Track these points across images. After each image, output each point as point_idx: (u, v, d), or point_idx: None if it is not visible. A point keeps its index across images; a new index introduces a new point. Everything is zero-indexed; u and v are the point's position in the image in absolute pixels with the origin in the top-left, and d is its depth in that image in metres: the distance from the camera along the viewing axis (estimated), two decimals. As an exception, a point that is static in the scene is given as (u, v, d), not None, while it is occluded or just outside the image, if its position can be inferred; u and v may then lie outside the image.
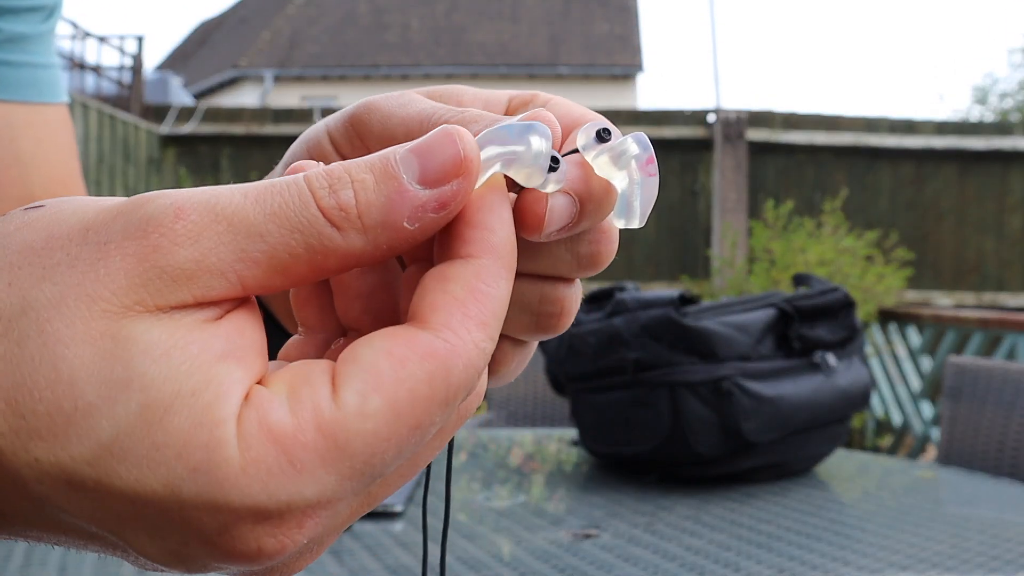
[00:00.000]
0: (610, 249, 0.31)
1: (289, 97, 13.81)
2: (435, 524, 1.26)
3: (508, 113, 0.33)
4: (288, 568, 0.26)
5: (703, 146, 5.86)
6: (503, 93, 0.33)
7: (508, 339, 0.33)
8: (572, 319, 0.32)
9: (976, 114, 20.31)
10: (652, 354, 1.45)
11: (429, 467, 0.34)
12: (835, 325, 1.56)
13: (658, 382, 1.44)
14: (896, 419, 4.39)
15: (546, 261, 0.31)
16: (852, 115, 6.05)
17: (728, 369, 1.43)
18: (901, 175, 6.05)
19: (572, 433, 1.84)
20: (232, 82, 14.44)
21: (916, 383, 4.30)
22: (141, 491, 0.22)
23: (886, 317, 4.54)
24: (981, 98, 20.37)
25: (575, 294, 0.32)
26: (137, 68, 7.24)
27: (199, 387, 0.22)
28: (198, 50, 17.82)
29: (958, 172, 6.07)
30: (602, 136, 0.28)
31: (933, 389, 4.16)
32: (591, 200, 0.28)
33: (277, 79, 14.12)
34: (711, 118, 5.86)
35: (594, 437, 1.57)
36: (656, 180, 0.29)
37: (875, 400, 4.47)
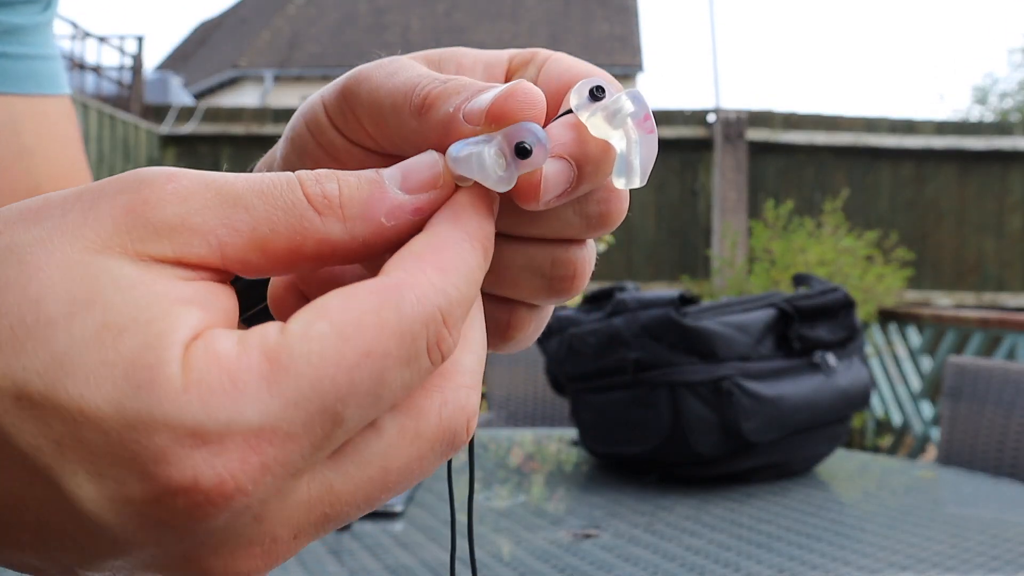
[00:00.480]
0: (620, 208, 0.30)
1: (289, 97, 13.81)
2: (435, 526, 1.26)
3: (509, 72, 0.33)
4: (238, 555, 0.24)
5: (703, 146, 5.86)
6: (504, 53, 0.33)
7: (523, 304, 0.32)
8: (586, 281, 0.32)
9: (976, 114, 20.31)
10: (652, 354, 1.45)
11: (449, 462, 0.34)
12: (835, 325, 1.56)
13: (658, 382, 1.44)
14: (896, 419, 4.39)
15: (554, 224, 0.30)
16: (852, 115, 6.05)
17: (728, 369, 1.43)
18: (901, 175, 6.05)
19: (572, 433, 1.84)
20: (232, 82, 14.44)
21: (916, 383, 4.30)
22: (85, 408, 0.22)
23: (886, 317, 4.54)
24: (981, 98, 20.38)
25: (588, 255, 0.31)
26: (137, 68, 7.24)
27: (156, 317, 0.23)
28: (198, 50, 17.82)
29: (958, 172, 6.07)
30: (595, 95, 0.27)
31: (933, 389, 4.16)
32: (588, 162, 0.28)
33: (277, 79, 14.12)
34: (711, 118, 5.86)
35: (594, 437, 1.57)
36: (655, 137, 0.28)
37: (875, 400, 4.47)
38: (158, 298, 0.23)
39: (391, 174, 0.27)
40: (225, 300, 0.25)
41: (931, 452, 4.15)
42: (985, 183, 6.09)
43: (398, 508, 1.29)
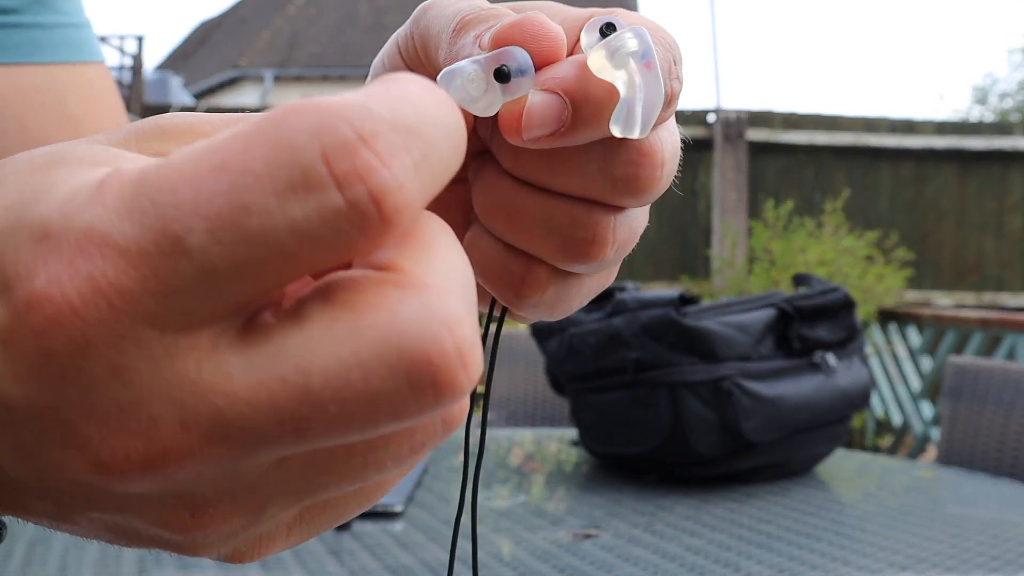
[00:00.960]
0: (650, 175, 0.27)
1: (289, 97, 13.80)
2: (435, 526, 1.26)
3: None
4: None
5: (703, 146, 5.86)
6: (586, 12, 0.29)
7: (542, 263, 0.30)
8: (611, 250, 0.29)
9: (976, 114, 20.31)
10: (652, 354, 1.45)
11: (467, 444, 0.32)
12: (835, 325, 1.56)
13: (658, 382, 1.44)
14: (896, 419, 4.39)
15: (575, 179, 0.28)
16: (852, 115, 6.05)
17: (728, 369, 1.43)
18: (901, 175, 6.05)
19: (572, 433, 1.84)
20: (232, 82, 14.44)
21: (916, 383, 4.30)
22: None
23: (886, 317, 4.53)
24: (981, 98, 20.38)
25: (616, 223, 0.29)
26: (137, 68, 7.24)
27: (100, 154, 0.22)
28: (198, 50, 17.82)
29: (958, 172, 6.07)
30: (604, 32, 0.25)
31: (933, 389, 4.16)
32: (587, 102, 0.25)
33: (277, 79, 14.12)
34: (711, 118, 5.86)
35: (594, 437, 1.57)
36: (659, 84, 0.25)
37: (875, 400, 4.47)
38: (120, 154, 0.22)
39: None
40: None
41: (931, 452, 4.15)
42: (985, 183, 6.09)
43: (398, 508, 1.29)
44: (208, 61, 16.13)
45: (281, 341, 0.19)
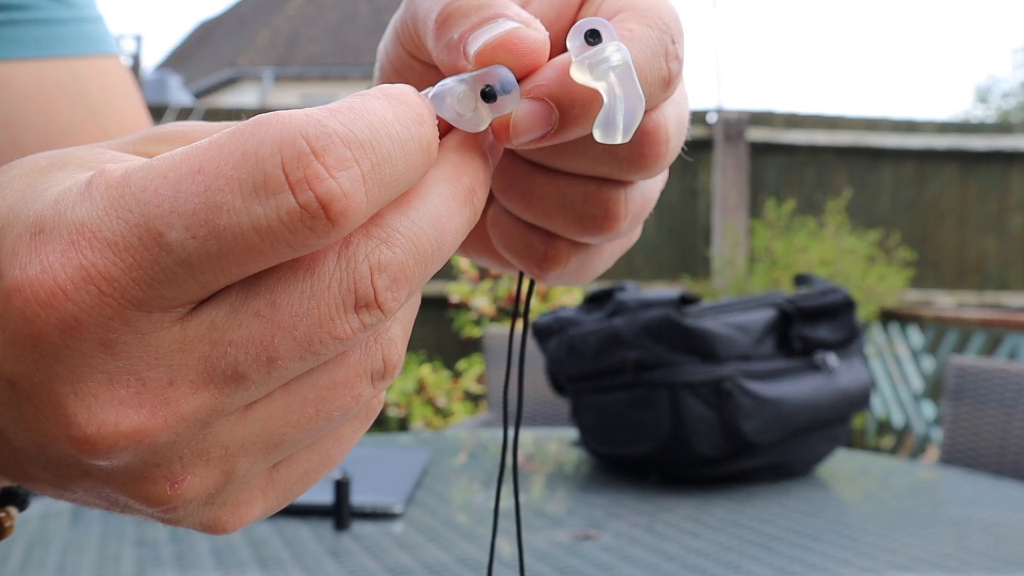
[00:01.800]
0: (654, 152, 0.28)
1: (289, 96, 13.81)
2: (435, 527, 1.26)
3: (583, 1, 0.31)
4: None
5: (704, 146, 5.86)
6: None
7: (562, 238, 0.31)
8: (627, 223, 0.31)
9: (978, 114, 20.30)
10: (652, 354, 1.45)
11: (503, 456, 0.33)
12: (836, 325, 1.55)
13: (658, 382, 1.43)
14: (897, 419, 4.38)
15: (583, 160, 0.29)
16: (853, 115, 6.04)
17: (729, 369, 1.42)
18: (902, 175, 6.05)
19: (572, 433, 1.84)
20: (231, 81, 14.43)
21: (918, 383, 4.29)
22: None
23: (887, 317, 4.53)
24: (983, 98, 20.37)
25: (627, 197, 0.30)
26: (136, 67, 7.24)
27: (96, 155, 0.24)
28: (197, 49, 17.82)
29: (960, 172, 6.07)
30: (589, 40, 0.26)
31: (935, 389, 4.15)
32: (573, 106, 0.26)
33: (276, 78, 14.12)
34: (712, 118, 5.85)
35: (594, 437, 1.57)
36: (639, 95, 0.26)
37: (876, 400, 4.47)
38: (115, 154, 0.25)
39: None
40: None
41: (932, 453, 4.14)
42: (987, 183, 6.08)
43: (398, 509, 1.29)
44: (207, 60, 16.13)
45: (252, 286, 0.22)
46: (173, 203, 0.20)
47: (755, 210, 5.64)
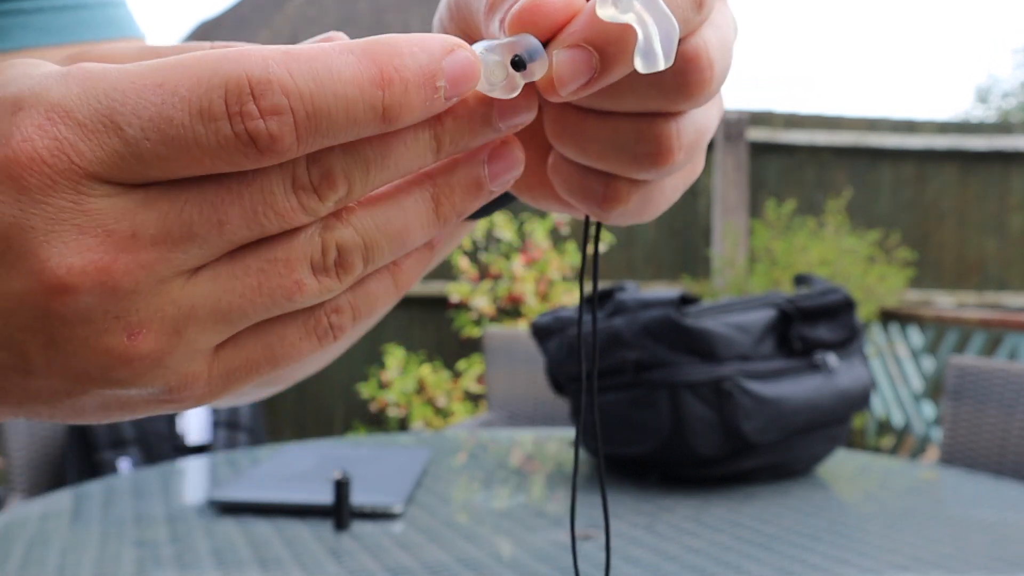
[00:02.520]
0: (699, 78, 0.29)
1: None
2: (435, 527, 1.26)
3: None
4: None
5: (704, 146, 5.85)
6: None
7: (619, 177, 0.32)
8: (682, 156, 0.31)
9: (978, 114, 20.30)
10: (652, 354, 1.45)
11: (575, 469, 0.33)
12: (836, 325, 1.55)
13: (658, 382, 1.43)
14: (897, 420, 4.38)
15: (630, 98, 0.30)
16: (853, 115, 6.04)
17: (729, 369, 1.42)
18: (902, 175, 6.05)
19: (572, 433, 1.84)
20: (233, 82, 14.44)
21: (918, 383, 4.29)
22: None
23: (887, 317, 4.53)
24: (983, 98, 20.37)
25: (678, 129, 0.30)
26: (138, 68, 7.24)
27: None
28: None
29: (960, 172, 6.07)
30: None
31: (935, 389, 4.15)
32: (609, 44, 0.27)
33: (278, 79, 14.11)
34: (712, 118, 5.85)
35: (594, 437, 1.57)
36: (668, 16, 0.27)
37: (876, 400, 4.46)
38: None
39: None
40: None
41: (932, 453, 4.14)
42: (987, 183, 6.08)
43: (398, 509, 1.29)
44: (209, 61, 16.12)
45: None
46: (135, 106, 0.24)
47: (755, 210, 5.64)
